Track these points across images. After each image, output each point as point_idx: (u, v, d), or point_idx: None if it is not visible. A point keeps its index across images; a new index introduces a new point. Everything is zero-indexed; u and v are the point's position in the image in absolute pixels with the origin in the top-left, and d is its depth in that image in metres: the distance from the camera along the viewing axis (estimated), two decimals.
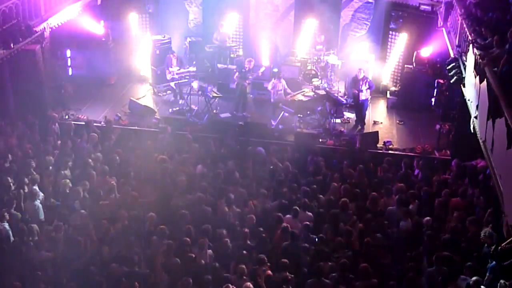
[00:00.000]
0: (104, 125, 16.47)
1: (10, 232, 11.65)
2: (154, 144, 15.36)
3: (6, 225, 11.70)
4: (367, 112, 18.33)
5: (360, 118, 18.09)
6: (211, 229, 11.65)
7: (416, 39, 19.23)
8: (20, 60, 15.98)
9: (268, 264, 10.75)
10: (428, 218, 12.17)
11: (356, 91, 17.75)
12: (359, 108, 18.03)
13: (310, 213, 12.40)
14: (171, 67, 19.14)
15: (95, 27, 19.54)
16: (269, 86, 18.21)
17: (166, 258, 10.82)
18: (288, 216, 12.24)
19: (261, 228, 11.89)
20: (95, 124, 16.46)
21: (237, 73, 18.25)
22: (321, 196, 13.27)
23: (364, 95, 17.71)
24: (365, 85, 17.59)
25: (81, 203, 12.54)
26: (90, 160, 14.18)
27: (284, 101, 18.01)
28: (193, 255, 10.78)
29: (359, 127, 18.00)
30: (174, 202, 12.78)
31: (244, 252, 11.11)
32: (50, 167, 13.85)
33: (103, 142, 15.37)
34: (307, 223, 11.93)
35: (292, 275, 10.48)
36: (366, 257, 10.97)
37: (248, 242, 11.50)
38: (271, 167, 14.59)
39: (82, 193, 12.75)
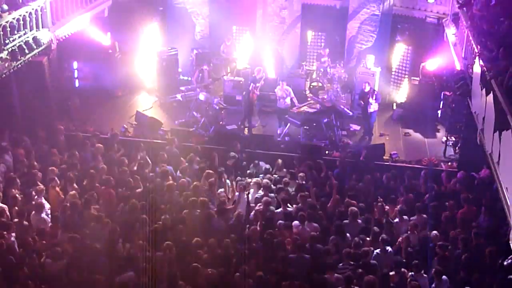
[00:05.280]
0: (111, 137, 16.45)
1: (16, 244, 11.66)
2: (160, 156, 15.33)
3: (13, 236, 11.72)
4: (374, 124, 18.34)
5: (368, 130, 18.11)
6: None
7: (422, 51, 19.24)
8: (27, 71, 16.03)
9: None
10: (435, 232, 12.12)
11: (363, 103, 17.83)
12: (367, 120, 18.06)
13: (316, 224, 12.39)
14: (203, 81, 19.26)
15: (102, 39, 19.63)
16: (276, 90, 18.28)
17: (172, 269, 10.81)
18: (296, 222, 12.31)
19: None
20: (101, 136, 16.46)
21: (252, 84, 18.26)
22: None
23: (372, 107, 17.75)
24: (372, 97, 17.64)
25: (87, 214, 12.56)
26: (94, 172, 14.22)
27: (290, 113, 18.03)
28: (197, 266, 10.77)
29: (367, 138, 18.02)
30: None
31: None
32: (57, 179, 13.86)
33: (108, 154, 15.37)
34: (314, 233, 11.91)
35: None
36: (370, 270, 10.92)
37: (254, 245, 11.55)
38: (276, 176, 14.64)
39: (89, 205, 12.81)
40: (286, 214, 12.84)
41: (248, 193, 13.34)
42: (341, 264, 11.23)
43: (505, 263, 10.42)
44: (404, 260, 11.48)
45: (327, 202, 13.44)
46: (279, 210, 13.06)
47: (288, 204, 13.12)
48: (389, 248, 11.64)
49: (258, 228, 12.10)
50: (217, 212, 12.52)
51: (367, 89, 17.78)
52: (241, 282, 10.54)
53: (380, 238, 11.78)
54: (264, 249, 11.52)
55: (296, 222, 12.38)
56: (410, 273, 10.89)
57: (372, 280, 10.29)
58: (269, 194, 13.44)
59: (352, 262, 11.17)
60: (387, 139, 18.11)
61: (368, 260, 11.25)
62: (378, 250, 11.57)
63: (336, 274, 10.88)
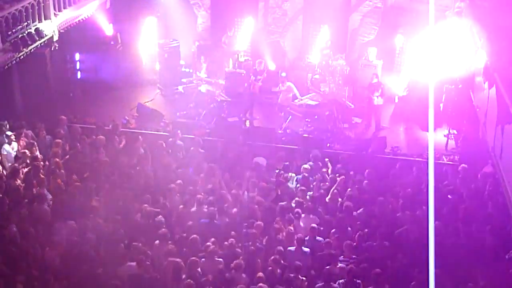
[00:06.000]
0: (112, 128, 16.43)
1: (18, 234, 11.69)
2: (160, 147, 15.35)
3: (14, 227, 11.74)
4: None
5: (376, 124, 18.10)
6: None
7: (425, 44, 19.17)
8: (29, 63, 16.05)
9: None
10: (436, 223, 12.11)
11: (370, 96, 17.79)
12: (373, 113, 18.04)
13: (315, 216, 12.39)
14: (200, 72, 19.16)
15: (104, 30, 19.60)
16: (278, 88, 18.31)
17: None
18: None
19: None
20: (104, 127, 16.42)
21: (253, 77, 18.23)
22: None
23: (377, 101, 17.72)
24: (378, 91, 17.61)
25: (89, 206, 12.58)
26: (96, 164, 14.24)
27: (292, 105, 18.02)
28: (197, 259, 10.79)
29: (372, 132, 18.02)
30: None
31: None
32: (59, 170, 13.88)
33: (110, 146, 15.38)
34: (314, 225, 11.92)
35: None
36: (373, 263, 10.95)
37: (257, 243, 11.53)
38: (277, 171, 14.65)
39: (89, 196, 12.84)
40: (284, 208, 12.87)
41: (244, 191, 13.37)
42: (341, 257, 11.27)
43: (507, 256, 10.47)
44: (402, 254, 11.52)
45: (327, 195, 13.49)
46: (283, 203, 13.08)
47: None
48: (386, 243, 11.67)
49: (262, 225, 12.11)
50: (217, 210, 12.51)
51: (374, 81, 17.76)
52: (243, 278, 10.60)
53: (378, 232, 11.81)
54: (268, 245, 11.56)
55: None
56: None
57: (379, 273, 10.32)
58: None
59: (354, 256, 11.23)
60: (388, 132, 18.06)
61: (369, 253, 11.28)
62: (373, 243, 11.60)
63: (340, 265, 10.91)
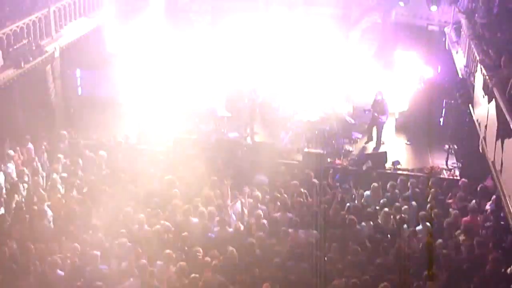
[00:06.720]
0: (113, 144, 16.47)
1: (18, 251, 11.67)
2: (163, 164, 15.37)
3: (14, 244, 11.72)
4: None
5: (377, 139, 18.13)
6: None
7: (424, 59, 19.26)
8: (30, 79, 16.11)
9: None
10: (440, 240, 12.10)
11: (372, 112, 17.82)
12: (376, 129, 18.10)
13: (315, 231, 12.38)
14: None
15: (105, 46, 19.67)
16: (278, 100, 18.31)
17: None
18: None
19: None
20: (105, 143, 16.47)
21: (253, 92, 18.34)
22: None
23: (380, 117, 17.76)
24: (381, 107, 17.64)
25: (87, 221, 12.57)
26: (96, 179, 14.25)
27: (292, 120, 18.04)
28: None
29: (366, 147, 18.01)
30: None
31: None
32: (59, 186, 13.89)
33: (111, 161, 15.39)
34: (312, 240, 11.89)
35: None
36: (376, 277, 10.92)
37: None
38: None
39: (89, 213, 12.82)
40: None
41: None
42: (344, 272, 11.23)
43: (508, 270, 10.44)
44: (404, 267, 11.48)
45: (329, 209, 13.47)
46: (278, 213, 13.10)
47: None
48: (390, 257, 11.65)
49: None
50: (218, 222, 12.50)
51: (378, 97, 17.80)
52: None
53: (381, 246, 11.79)
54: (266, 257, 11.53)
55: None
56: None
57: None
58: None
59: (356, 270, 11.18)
60: (389, 147, 18.08)
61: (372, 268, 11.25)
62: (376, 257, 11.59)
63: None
